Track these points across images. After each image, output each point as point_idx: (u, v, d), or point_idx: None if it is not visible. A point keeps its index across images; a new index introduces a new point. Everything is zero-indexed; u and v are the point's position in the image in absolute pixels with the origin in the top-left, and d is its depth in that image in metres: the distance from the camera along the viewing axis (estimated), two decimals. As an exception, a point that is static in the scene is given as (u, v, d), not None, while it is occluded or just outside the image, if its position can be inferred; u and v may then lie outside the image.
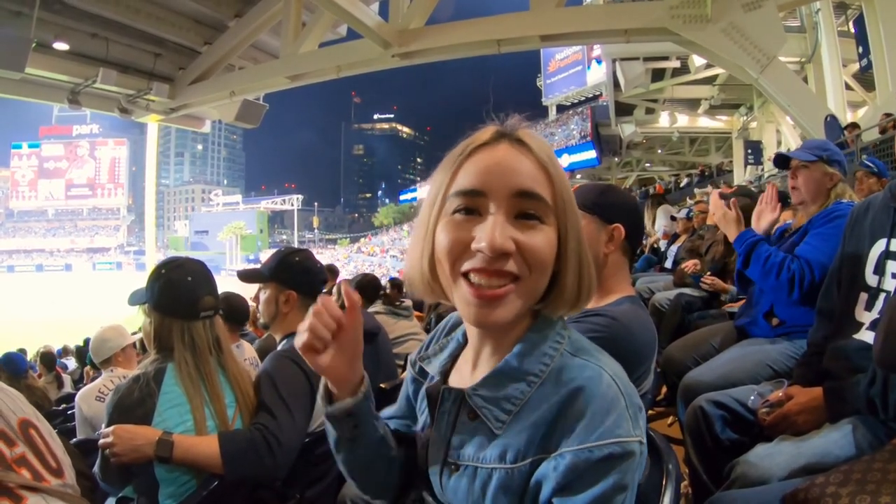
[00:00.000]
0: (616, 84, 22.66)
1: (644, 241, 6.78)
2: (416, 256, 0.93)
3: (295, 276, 2.12)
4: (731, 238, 2.56)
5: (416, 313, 4.68)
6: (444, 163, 0.93)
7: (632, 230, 1.69)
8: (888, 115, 10.23)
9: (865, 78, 13.72)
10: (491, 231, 0.83)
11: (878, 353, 1.34)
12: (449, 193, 0.89)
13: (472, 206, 0.87)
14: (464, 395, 0.94)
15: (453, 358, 1.06)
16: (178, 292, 1.79)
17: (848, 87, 14.32)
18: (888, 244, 1.76)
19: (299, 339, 0.94)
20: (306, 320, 0.94)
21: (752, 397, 1.90)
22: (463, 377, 1.01)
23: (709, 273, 3.89)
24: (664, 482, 1.04)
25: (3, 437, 0.71)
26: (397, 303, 4.35)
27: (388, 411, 1.23)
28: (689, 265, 4.29)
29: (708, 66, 19.27)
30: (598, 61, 32.84)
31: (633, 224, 1.70)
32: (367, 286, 4.30)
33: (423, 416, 1.06)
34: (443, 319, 1.21)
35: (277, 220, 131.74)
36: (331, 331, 0.94)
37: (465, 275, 0.87)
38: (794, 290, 2.26)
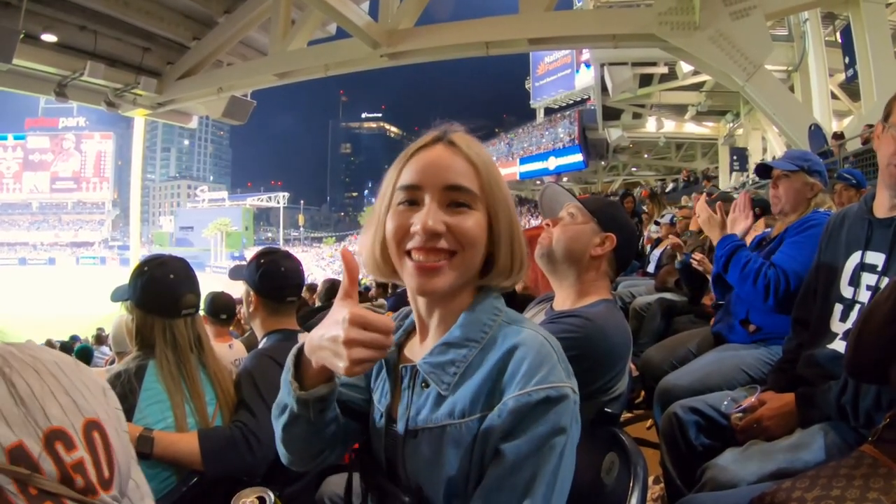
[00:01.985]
0: (604, 88, 22.73)
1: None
2: (369, 241, 1.09)
3: (258, 279, 2.12)
4: (715, 241, 2.59)
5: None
6: (394, 163, 1.08)
7: (623, 245, 1.76)
8: (870, 126, 10.34)
9: (851, 88, 13.81)
10: (425, 216, 0.98)
11: (848, 362, 1.37)
12: (396, 188, 1.04)
13: (413, 198, 1.02)
14: (416, 368, 1.06)
15: (407, 334, 1.19)
16: (161, 290, 1.79)
17: (834, 96, 14.42)
18: (863, 256, 1.78)
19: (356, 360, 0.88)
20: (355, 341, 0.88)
21: (725, 402, 1.93)
22: (414, 351, 1.13)
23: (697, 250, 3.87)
24: (632, 483, 1.06)
25: (63, 437, 0.68)
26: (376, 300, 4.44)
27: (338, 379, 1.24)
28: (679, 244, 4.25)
29: (695, 72, 19.36)
30: (587, 65, 32.82)
31: (625, 240, 1.77)
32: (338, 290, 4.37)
33: (379, 391, 1.15)
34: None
35: (263, 217, 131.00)
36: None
37: (409, 253, 1.01)
38: (769, 297, 2.30)
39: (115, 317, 3.78)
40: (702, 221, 2.68)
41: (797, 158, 2.58)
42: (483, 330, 1.03)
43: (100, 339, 14.10)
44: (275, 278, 2.13)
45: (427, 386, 1.04)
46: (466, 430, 0.96)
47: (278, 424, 1.11)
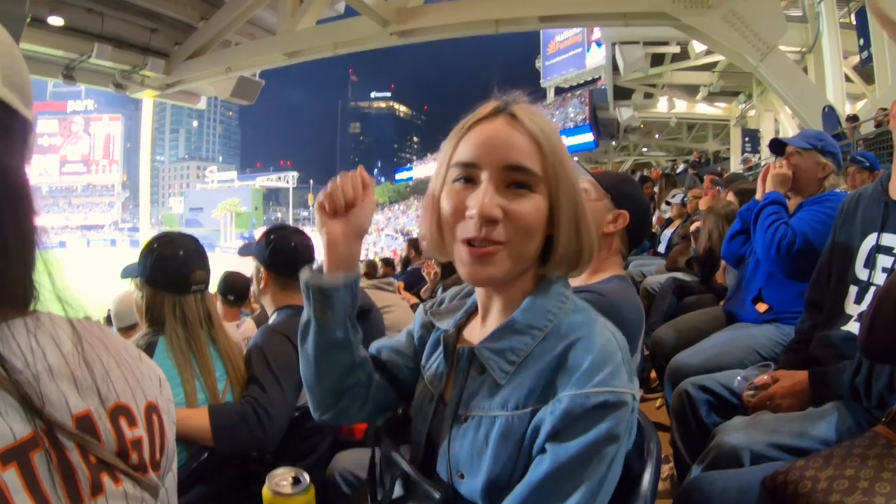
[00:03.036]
0: (615, 67, 22.55)
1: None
2: (427, 220, 1.01)
3: (268, 254, 2.11)
4: (767, 190, 2.57)
5: (407, 294, 4.83)
6: (450, 136, 1.00)
7: (636, 222, 1.74)
8: (883, 109, 10.21)
9: (865, 71, 13.62)
10: (481, 199, 0.90)
11: (863, 342, 1.35)
12: (451, 164, 0.97)
13: (469, 175, 0.94)
14: (474, 351, 0.99)
15: (468, 315, 1.12)
16: (170, 266, 1.78)
17: (848, 79, 14.22)
18: (879, 238, 1.76)
19: (318, 198, 1.05)
20: (329, 184, 1.05)
21: (737, 380, 1.92)
22: (474, 333, 1.06)
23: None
24: (645, 459, 1.05)
25: (127, 413, 0.69)
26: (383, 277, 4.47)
27: (386, 340, 1.25)
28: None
29: (708, 52, 19.18)
30: (598, 44, 32.59)
31: (638, 217, 1.75)
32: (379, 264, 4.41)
33: (433, 370, 1.09)
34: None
35: (273, 197, 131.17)
36: (347, 199, 1.04)
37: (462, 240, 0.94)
38: (773, 245, 2.32)
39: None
40: (773, 174, 2.62)
41: (811, 137, 2.57)
42: (548, 318, 0.96)
43: (111, 320, 14.20)
44: (285, 254, 2.11)
45: (483, 372, 0.98)
46: (518, 423, 0.90)
47: (301, 342, 1.11)
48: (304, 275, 1.05)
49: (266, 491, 0.86)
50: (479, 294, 1.06)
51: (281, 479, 0.89)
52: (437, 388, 1.06)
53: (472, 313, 1.11)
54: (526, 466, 0.89)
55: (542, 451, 0.86)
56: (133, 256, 1.96)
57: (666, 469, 2.33)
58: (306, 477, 0.90)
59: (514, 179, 0.93)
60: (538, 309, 0.97)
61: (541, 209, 0.94)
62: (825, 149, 2.52)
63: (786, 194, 2.57)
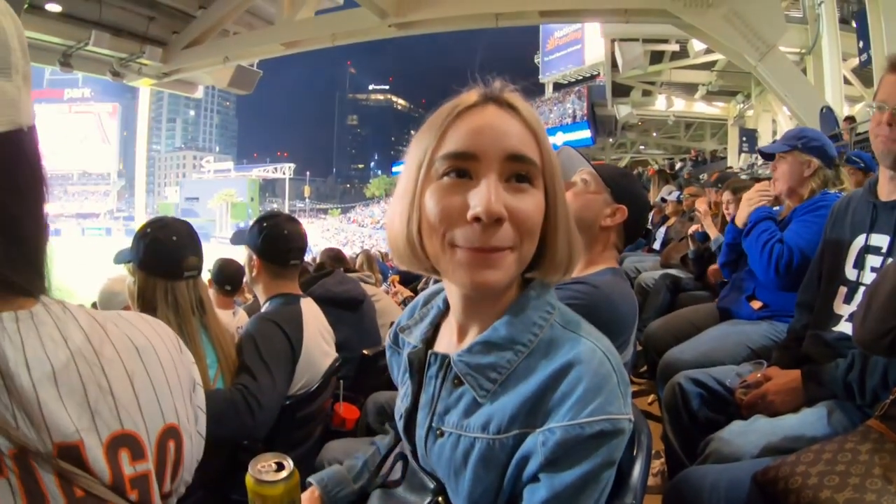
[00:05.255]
0: (614, 64, 22.55)
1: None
2: (402, 224, 0.87)
3: (260, 242, 2.09)
4: (749, 210, 2.56)
5: (401, 288, 4.90)
6: (429, 125, 0.87)
7: (634, 217, 1.72)
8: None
9: (864, 73, 13.60)
10: (487, 195, 0.79)
11: (858, 329, 1.35)
12: (437, 156, 0.83)
13: (463, 168, 0.82)
14: (449, 360, 0.92)
15: (435, 326, 1.03)
16: (163, 251, 1.77)
17: (847, 81, 14.21)
18: (867, 238, 1.78)
19: None
20: None
21: (729, 379, 1.92)
22: (448, 345, 0.98)
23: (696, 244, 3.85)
24: (635, 451, 1.04)
25: (134, 445, 0.61)
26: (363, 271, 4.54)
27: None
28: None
29: (707, 51, 19.16)
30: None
31: (637, 213, 1.74)
32: (333, 258, 4.38)
33: (405, 387, 1.03)
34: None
35: (269, 188, 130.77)
36: None
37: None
38: (770, 268, 2.29)
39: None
40: (752, 204, 2.61)
41: (791, 138, 2.50)
42: (533, 332, 0.87)
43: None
44: (278, 241, 2.09)
45: (460, 384, 0.90)
46: (500, 447, 0.84)
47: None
48: None
49: (248, 478, 0.84)
50: (456, 301, 0.94)
51: (263, 464, 0.86)
52: (404, 407, 1.02)
53: (438, 321, 1.04)
54: (512, 491, 0.85)
55: (535, 479, 0.81)
56: (128, 246, 1.94)
57: (657, 464, 2.33)
58: (290, 462, 0.86)
59: (515, 171, 0.83)
60: (523, 321, 0.88)
61: (541, 206, 0.85)
62: (806, 145, 2.44)
63: (776, 204, 2.56)
